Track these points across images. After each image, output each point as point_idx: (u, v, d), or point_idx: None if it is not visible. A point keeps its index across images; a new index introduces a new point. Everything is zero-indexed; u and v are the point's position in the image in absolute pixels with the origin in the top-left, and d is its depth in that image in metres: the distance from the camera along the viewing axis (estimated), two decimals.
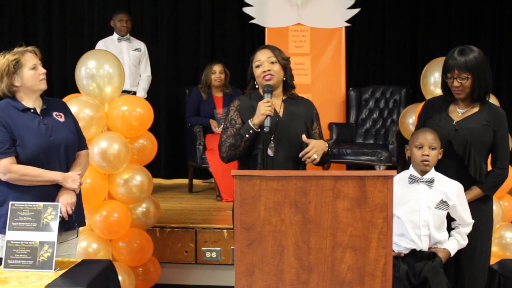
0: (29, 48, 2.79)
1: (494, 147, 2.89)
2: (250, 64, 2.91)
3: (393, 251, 2.56)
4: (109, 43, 5.45)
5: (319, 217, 2.14)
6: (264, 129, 2.71)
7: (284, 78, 2.88)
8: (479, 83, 2.81)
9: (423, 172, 2.78)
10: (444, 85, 2.91)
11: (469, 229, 2.83)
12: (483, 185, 2.87)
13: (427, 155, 2.75)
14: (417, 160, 2.78)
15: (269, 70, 2.81)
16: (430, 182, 2.75)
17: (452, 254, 2.78)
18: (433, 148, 2.77)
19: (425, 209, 2.73)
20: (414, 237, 2.73)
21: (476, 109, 2.88)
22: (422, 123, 2.98)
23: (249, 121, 2.76)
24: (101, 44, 5.44)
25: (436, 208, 2.74)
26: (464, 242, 2.82)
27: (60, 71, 6.19)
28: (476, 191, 2.86)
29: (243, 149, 2.78)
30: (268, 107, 2.71)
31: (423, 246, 2.74)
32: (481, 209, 2.88)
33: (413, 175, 2.78)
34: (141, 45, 5.61)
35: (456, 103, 2.92)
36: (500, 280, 2.90)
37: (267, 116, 2.70)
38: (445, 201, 2.75)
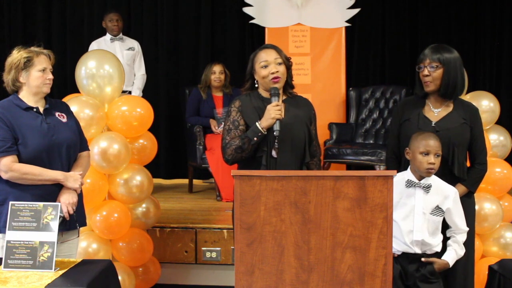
0: (45, 51, 2.83)
1: (471, 143, 2.92)
2: (250, 63, 2.90)
3: None
4: (102, 44, 5.42)
5: (319, 217, 2.14)
6: (274, 133, 2.72)
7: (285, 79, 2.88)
8: (448, 77, 2.82)
9: (420, 177, 2.76)
10: (418, 81, 2.92)
11: (464, 236, 2.80)
12: (466, 182, 2.91)
13: (433, 163, 2.70)
14: (422, 168, 2.72)
15: (277, 71, 2.81)
16: (427, 187, 2.73)
17: (450, 265, 2.76)
18: (438, 155, 2.72)
19: (420, 215, 2.71)
20: (408, 241, 2.72)
21: (450, 108, 2.91)
22: (398, 126, 2.98)
23: (257, 124, 2.75)
24: (94, 45, 5.42)
25: (432, 214, 2.73)
26: (462, 251, 2.79)
27: (60, 71, 6.17)
28: (461, 189, 2.88)
29: (250, 151, 2.79)
30: (278, 111, 2.72)
31: (416, 250, 2.72)
32: (465, 204, 2.88)
33: (411, 180, 2.74)
34: (135, 44, 5.58)
35: (429, 101, 2.93)
36: (500, 280, 2.91)
37: (277, 120, 2.71)
38: (441, 208, 2.73)
